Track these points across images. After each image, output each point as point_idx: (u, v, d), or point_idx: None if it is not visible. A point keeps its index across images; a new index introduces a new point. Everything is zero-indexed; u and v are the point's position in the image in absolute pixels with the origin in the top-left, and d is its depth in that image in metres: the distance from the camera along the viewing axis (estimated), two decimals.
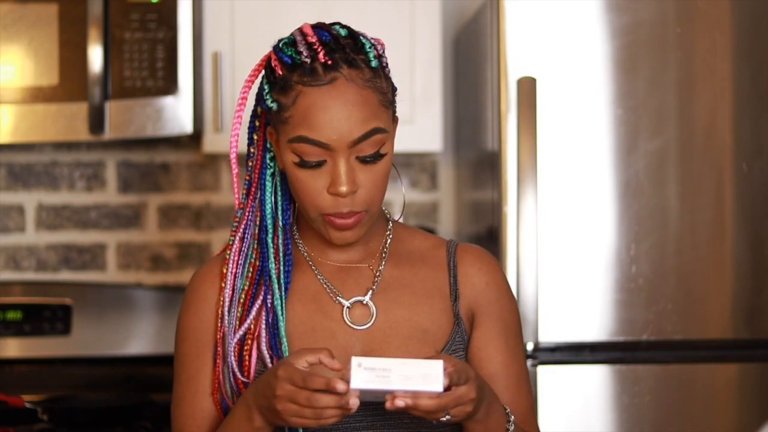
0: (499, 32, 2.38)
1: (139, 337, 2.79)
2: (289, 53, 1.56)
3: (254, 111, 1.66)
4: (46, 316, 2.78)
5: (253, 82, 1.67)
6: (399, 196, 2.88)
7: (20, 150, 2.95)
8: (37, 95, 2.55)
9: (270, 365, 1.57)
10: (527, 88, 2.34)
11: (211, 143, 2.66)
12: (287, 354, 1.57)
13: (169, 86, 2.56)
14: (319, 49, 1.54)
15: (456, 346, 1.62)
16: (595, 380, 2.37)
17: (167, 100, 2.56)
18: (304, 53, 1.54)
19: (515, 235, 2.34)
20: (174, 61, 2.55)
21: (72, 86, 2.54)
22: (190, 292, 1.68)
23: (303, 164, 1.54)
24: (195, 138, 2.83)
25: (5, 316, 2.78)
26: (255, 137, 1.65)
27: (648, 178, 2.38)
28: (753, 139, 2.41)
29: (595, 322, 2.37)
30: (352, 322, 1.61)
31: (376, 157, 1.55)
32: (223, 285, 1.63)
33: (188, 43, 2.57)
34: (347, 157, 1.53)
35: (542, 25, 2.37)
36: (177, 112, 2.56)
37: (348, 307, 1.61)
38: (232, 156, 1.67)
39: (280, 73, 1.55)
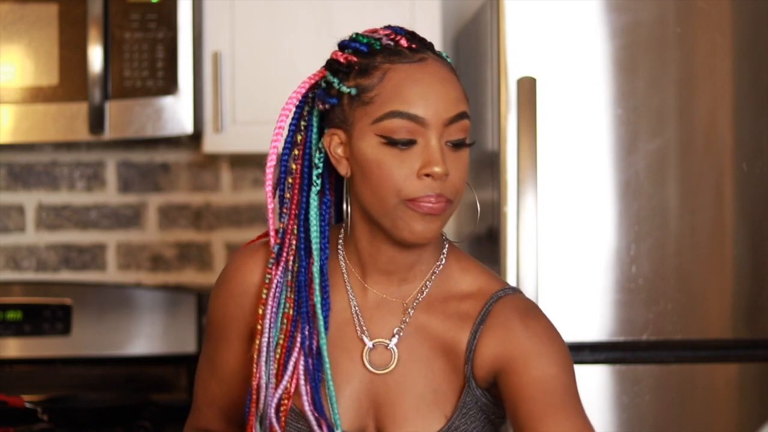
0: (499, 32, 2.38)
1: (139, 337, 2.79)
2: (365, 41, 1.49)
3: (290, 140, 1.55)
4: (46, 316, 2.78)
5: (291, 110, 1.55)
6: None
7: (20, 150, 2.95)
8: (37, 95, 2.55)
9: (316, 429, 1.48)
10: (527, 88, 2.34)
11: (211, 143, 2.66)
12: (337, 413, 1.49)
13: (169, 86, 2.56)
14: (398, 37, 1.49)
15: (467, 408, 1.53)
16: (595, 380, 2.37)
17: (167, 100, 2.56)
18: (384, 39, 1.48)
19: (515, 235, 2.34)
20: (174, 61, 2.55)
21: (72, 86, 2.54)
22: (221, 281, 1.61)
23: (392, 143, 1.44)
24: (195, 138, 2.83)
25: (5, 316, 2.78)
26: (293, 166, 1.54)
27: (648, 178, 2.38)
28: (753, 139, 2.41)
29: (595, 322, 2.37)
30: (370, 365, 1.53)
31: (463, 144, 1.47)
32: (259, 328, 1.53)
33: (188, 43, 2.57)
34: (439, 137, 1.44)
35: (542, 25, 2.37)
36: (177, 112, 2.56)
37: (370, 348, 1.53)
38: (269, 192, 1.55)
39: (356, 59, 1.47)
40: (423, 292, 1.55)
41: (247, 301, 1.57)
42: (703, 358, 2.40)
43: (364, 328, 1.54)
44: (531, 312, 1.54)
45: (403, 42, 1.47)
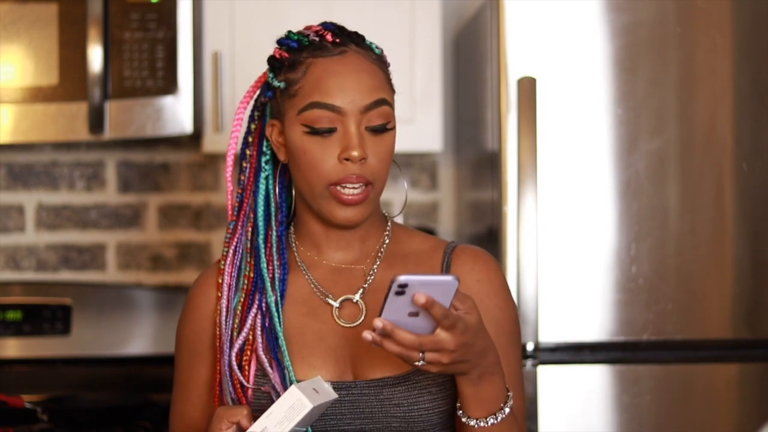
0: (499, 32, 2.38)
1: (139, 337, 2.79)
2: (296, 38, 1.62)
3: (248, 129, 1.70)
4: (46, 316, 2.78)
5: (248, 102, 1.70)
6: (399, 195, 2.88)
7: (20, 150, 2.95)
8: (37, 95, 2.55)
9: (268, 369, 1.57)
10: (527, 88, 2.34)
11: (211, 143, 2.66)
12: (287, 355, 1.58)
13: (169, 86, 2.56)
14: (325, 33, 1.60)
15: None
16: (595, 380, 2.37)
17: (167, 100, 2.56)
18: (311, 35, 1.61)
19: (515, 235, 2.34)
20: (174, 61, 2.55)
21: (72, 86, 2.54)
22: (187, 301, 1.71)
23: (314, 132, 1.57)
24: (195, 138, 2.83)
25: (5, 316, 2.78)
26: (248, 152, 1.68)
27: (648, 178, 2.38)
28: (753, 139, 2.41)
29: (595, 322, 2.37)
30: (341, 320, 1.62)
31: (384, 129, 1.59)
32: (219, 295, 1.65)
33: (188, 43, 2.57)
34: (358, 124, 1.56)
35: (542, 25, 2.37)
36: (177, 112, 2.56)
37: (337, 307, 1.62)
38: (228, 173, 1.69)
39: (287, 55, 1.61)
40: (379, 255, 1.66)
41: (212, 311, 1.66)
42: (703, 358, 2.40)
43: (326, 293, 1.64)
44: (489, 264, 1.67)
45: (329, 37, 1.60)
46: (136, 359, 2.79)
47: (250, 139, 1.68)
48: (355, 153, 1.55)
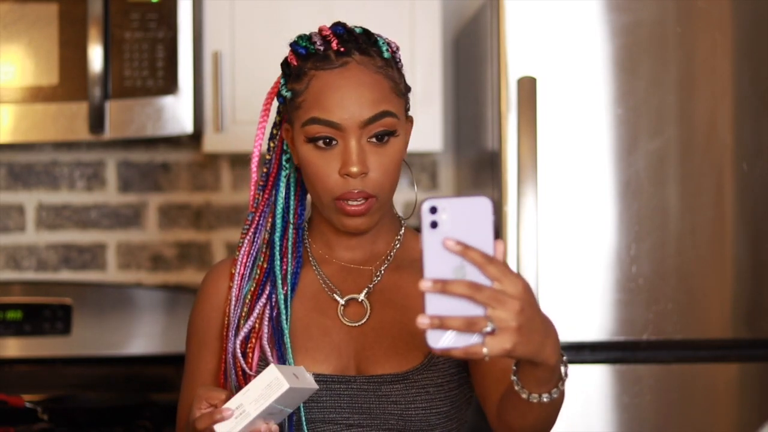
0: (499, 32, 2.38)
1: (139, 337, 2.79)
2: (304, 44, 1.60)
3: (274, 121, 1.70)
4: (46, 316, 2.78)
5: (275, 93, 1.69)
6: (401, 196, 2.88)
7: (20, 150, 2.95)
8: (37, 95, 2.55)
9: (270, 359, 1.59)
10: (527, 88, 2.34)
11: (211, 143, 2.66)
12: (289, 348, 1.59)
13: (169, 86, 2.56)
14: (332, 39, 1.59)
15: None
16: (595, 380, 2.37)
17: (167, 100, 2.56)
18: (318, 42, 1.59)
19: (515, 235, 2.34)
20: (174, 60, 2.56)
21: (72, 86, 2.54)
22: (199, 291, 1.72)
23: (315, 144, 1.57)
24: (195, 138, 2.83)
25: (5, 316, 2.78)
26: (272, 144, 1.69)
27: (648, 177, 2.38)
28: (753, 139, 2.41)
29: (595, 322, 2.37)
30: (346, 319, 1.63)
31: (387, 135, 1.57)
32: (231, 284, 1.66)
33: (188, 43, 2.57)
34: (358, 138, 1.56)
35: (542, 25, 2.37)
36: (177, 112, 2.57)
37: (343, 305, 1.64)
38: (253, 166, 1.70)
39: (295, 63, 1.60)
40: (388, 258, 1.67)
41: (223, 302, 1.68)
42: (703, 358, 2.40)
43: (335, 290, 1.65)
44: None
45: (334, 45, 1.58)
46: (136, 359, 2.79)
47: (275, 132, 1.69)
48: (354, 169, 1.54)
